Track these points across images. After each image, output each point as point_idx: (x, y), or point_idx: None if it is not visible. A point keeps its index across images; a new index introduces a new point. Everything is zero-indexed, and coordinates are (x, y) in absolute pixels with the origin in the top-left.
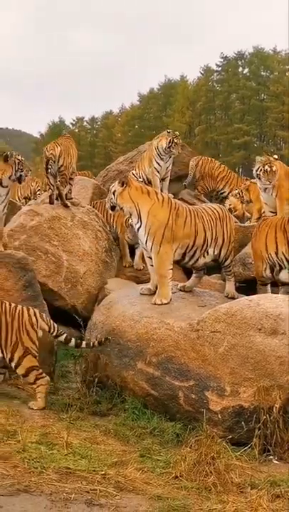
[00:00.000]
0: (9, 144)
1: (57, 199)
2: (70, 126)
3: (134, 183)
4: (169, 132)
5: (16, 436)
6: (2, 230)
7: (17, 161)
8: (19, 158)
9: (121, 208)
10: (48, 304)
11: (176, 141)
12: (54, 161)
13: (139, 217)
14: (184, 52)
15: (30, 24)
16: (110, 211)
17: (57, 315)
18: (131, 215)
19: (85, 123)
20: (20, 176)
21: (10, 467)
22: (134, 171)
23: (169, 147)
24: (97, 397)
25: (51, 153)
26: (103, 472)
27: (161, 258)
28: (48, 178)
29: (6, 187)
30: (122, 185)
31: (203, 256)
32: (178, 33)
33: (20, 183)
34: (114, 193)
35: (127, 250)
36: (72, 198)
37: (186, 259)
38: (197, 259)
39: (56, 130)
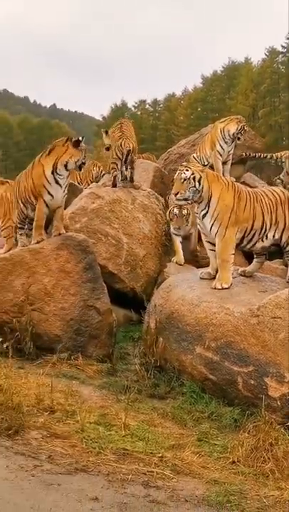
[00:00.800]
0: (71, 126)
1: (124, 180)
2: (133, 108)
3: (210, 172)
4: (238, 118)
5: (74, 417)
6: (63, 212)
7: (84, 148)
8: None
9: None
10: (108, 287)
11: (246, 128)
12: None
13: (208, 202)
14: (248, 34)
15: (98, 6)
16: (181, 202)
17: (116, 298)
18: (198, 202)
19: (147, 106)
20: (83, 163)
21: (68, 446)
22: (195, 154)
23: (238, 133)
24: (155, 380)
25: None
26: (160, 455)
27: (226, 242)
28: (115, 162)
29: (69, 171)
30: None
31: (262, 240)
32: (244, 14)
33: (80, 170)
34: (194, 180)
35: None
36: (133, 181)
37: (244, 242)
38: (255, 243)
39: (118, 113)
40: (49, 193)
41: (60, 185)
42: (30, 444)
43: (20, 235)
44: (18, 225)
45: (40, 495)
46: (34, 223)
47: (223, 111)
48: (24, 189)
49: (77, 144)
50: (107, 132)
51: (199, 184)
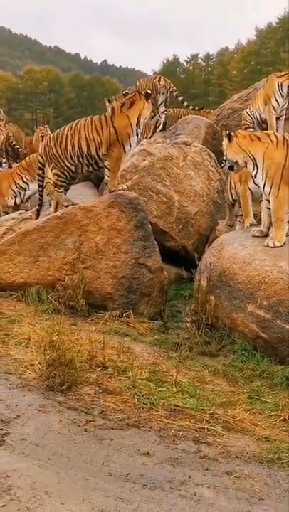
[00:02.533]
0: (122, 82)
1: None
2: (185, 63)
3: (241, 133)
4: None
5: (126, 373)
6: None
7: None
8: None
9: (235, 162)
10: (159, 245)
11: None
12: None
13: (255, 163)
14: None
15: None
16: (231, 172)
17: (167, 256)
18: (247, 165)
19: (199, 60)
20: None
21: (120, 402)
22: (247, 110)
23: None
24: (206, 338)
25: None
26: (211, 411)
27: (280, 201)
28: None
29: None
30: (229, 139)
31: None
32: None
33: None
34: (224, 150)
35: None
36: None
37: None
38: None
39: (170, 68)
40: (130, 143)
41: (138, 139)
42: (82, 400)
43: (60, 192)
44: (59, 183)
45: (92, 449)
46: (111, 174)
47: (277, 64)
48: (90, 141)
49: (148, 98)
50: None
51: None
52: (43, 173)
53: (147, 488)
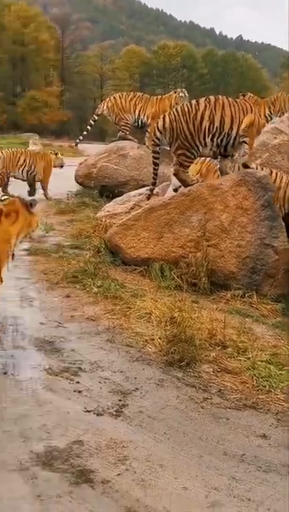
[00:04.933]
0: (257, 57)
1: None
2: None
3: None
4: None
5: (246, 354)
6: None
7: None
8: None
9: None
10: (287, 226)
11: None
12: None
13: None
14: None
15: None
16: None
17: None
18: None
19: None
20: None
21: (239, 382)
22: None
23: None
24: None
25: None
26: None
27: None
28: None
29: None
30: None
31: None
32: None
33: None
34: None
35: None
36: None
37: None
38: None
39: None
40: None
41: None
42: (201, 377)
43: (187, 173)
44: (187, 163)
45: (208, 427)
46: (249, 150)
47: None
48: (234, 119)
49: None
50: None
51: None
52: (160, 149)
53: (262, 470)
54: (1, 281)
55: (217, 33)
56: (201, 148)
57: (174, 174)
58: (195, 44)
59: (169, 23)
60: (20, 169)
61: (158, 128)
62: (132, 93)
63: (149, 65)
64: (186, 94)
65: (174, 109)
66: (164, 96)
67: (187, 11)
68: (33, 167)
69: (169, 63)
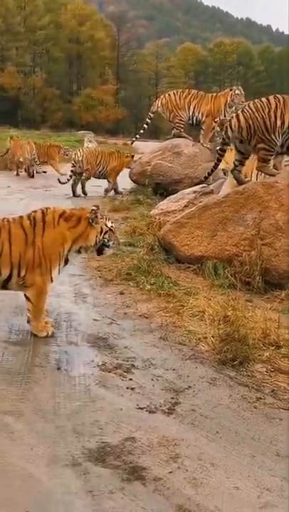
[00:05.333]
0: None
1: None
2: None
3: None
4: None
5: None
6: None
7: None
8: None
9: None
10: None
11: None
12: None
13: None
14: None
15: None
16: None
17: None
18: None
19: None
20: None
21: None
22: None
23: None
24: None
25: None
26: None
27: None
28: None
29: None
30: None
31: None
32: None
33: None
34: None
35: None
36: None
37: None
38: None
39: None
40: None
41: None
42: (254, 377)
43: (268, 167)
44: (269, 157)
45: (261, 427)
46: None
47: None
48: None
49: None
50: None
51: None
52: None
53: None
54: (52, 280)
55: (274, 29)
56: (278, 143)
57: (258, 170)
58: (251, 41)
59: (225, 20)
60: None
61: (232, 126)
62: (186, 90)
63: (205, 63)
64: (242, 92)
65: (247, 106)
66: (219, 93)
67: (244, 8)
68: (105, 166)
69: (224, 61)
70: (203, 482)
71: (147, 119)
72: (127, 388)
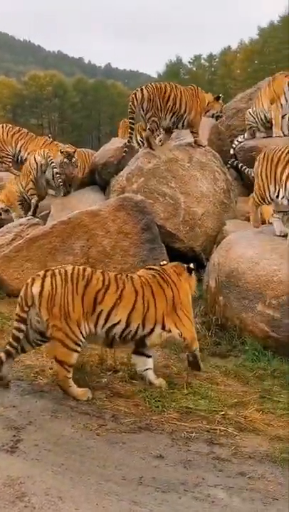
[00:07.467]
0: (127, 85)
1: None
2: (188, 64)
3: None
4: None
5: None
6: None
7: None
8: None
9: None
10: (167, 247)
11: None
12: None
13: None
14: None
15: None
16: None
17: (175, 257)
18: None
19: (202, 61)
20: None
21: (132, 405)
22: (250, 110)
23: None
24: (217, 339)
25: None
26: (223, 412)
27: None
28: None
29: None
30: None
31: None
32: None
33: None
34: None
35: None
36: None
37: None
38: None
39: (174, 69)
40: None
41: None
42: (94, 404)
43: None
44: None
45: (105, 453)
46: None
47: (280, 62)
48: None
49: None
50: None
51: None
52: None
53: (161, 490)
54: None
55: (86, 61)
56: None
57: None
58: (65, 73)
59: (37, 54)
60: None
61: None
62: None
63: (21, 96)
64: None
65: None
66: None
67: (55, 41)
68: None
69: (40, 93)
70: None
71: None
72: None
